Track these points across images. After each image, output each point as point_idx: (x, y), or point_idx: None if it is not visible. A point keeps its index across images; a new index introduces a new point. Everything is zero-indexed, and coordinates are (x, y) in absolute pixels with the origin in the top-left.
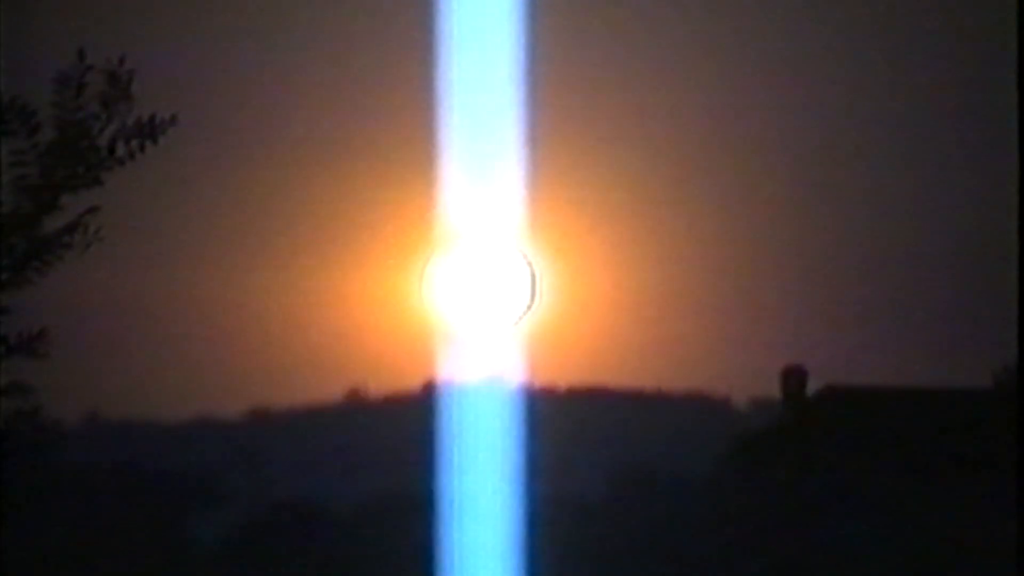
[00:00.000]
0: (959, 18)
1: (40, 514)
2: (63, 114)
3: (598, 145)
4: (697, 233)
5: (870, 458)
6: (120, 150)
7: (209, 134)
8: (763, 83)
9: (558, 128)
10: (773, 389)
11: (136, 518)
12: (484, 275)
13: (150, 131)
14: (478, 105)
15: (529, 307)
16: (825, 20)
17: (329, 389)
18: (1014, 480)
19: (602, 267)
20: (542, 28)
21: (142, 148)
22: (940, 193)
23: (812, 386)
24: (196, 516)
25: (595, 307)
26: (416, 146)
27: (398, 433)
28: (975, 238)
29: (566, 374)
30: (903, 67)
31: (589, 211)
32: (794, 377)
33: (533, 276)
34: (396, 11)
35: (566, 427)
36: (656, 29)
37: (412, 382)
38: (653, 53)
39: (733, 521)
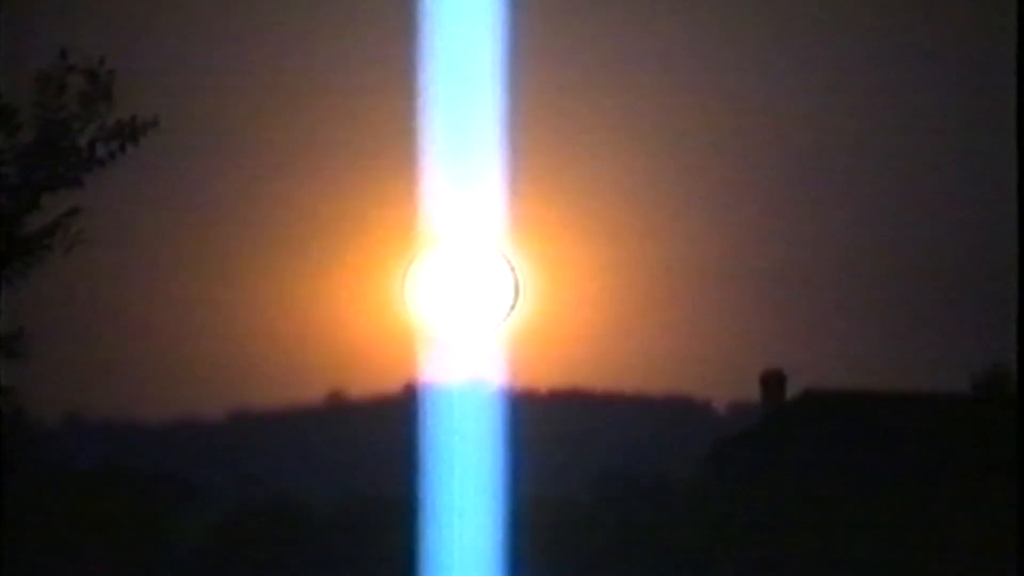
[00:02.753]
0: (958, 19)
1: (23, 513)
2: (44, 113)
3: (580, 150)
4: (679, 238)
5: (848, 460)
6: (100, 151)
7: (191, 137)
8: (747, 89)
9: (540, 132)
10: (753, 393)
11: (117, 518)
12: (466, 278)
13: (131, 133)
14: (459, 109)
15: (511, 310)
16: (818, 22)
17: (311, 391)
18: (1014, 480)
19: (584, 271)
20: (523, 33)
21: (123, 149)
22: (920, 203)
23: (791, 390)
24: (177, 516)
25: (577, 310)
26: (398, 150)
27: (379, 435)
28: (956, 247)
29: (548, 377)
30: (896, 74)
31: (571, 215)
32: (773, 381)
33: (515, 279)
34: (379, 17)
35: (548, 429)
36: (639, 32)
37: (393, 384)
38: (635, 56)
39: (714, 522)
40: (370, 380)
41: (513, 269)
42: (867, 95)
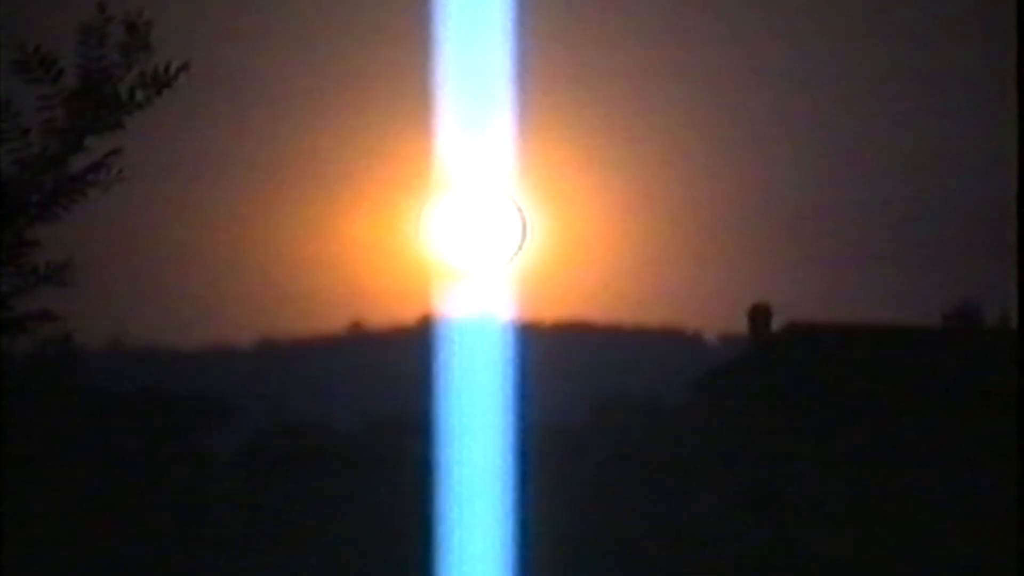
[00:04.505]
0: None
1: (69, 432)
2: (87, 63)
3: (588, 98)
4: (674, 183)
5: (827, 388)
6: (139, 96)
7: (221, 81)
8: (750, 42)
9: (548, 79)
10: (741, 325)
11: (157, 436)
12: (477, 218)
13: (165, 78)
14: (471, 61)
15: (518, 249)
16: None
17: (334, 321)
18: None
19: (586, 213)
20: None
21: (159, 93)
22: (905, 141)
23: (776, 323)
24: (211, 434)
25: (580, 249)
26: (415, 100)
27: (397, 362)
28: (940, 185)
29: (552, 310)
30: (888, 37)
31: (577, 159)
32: (760, 314)
33: (523, 220)
34: None
35: (552, 358)
36: None
37: (410, 316)
38: (646, 4)
39: (703, 443)
40: (389, 312)
41: (521, 211)
42: (868, 44)
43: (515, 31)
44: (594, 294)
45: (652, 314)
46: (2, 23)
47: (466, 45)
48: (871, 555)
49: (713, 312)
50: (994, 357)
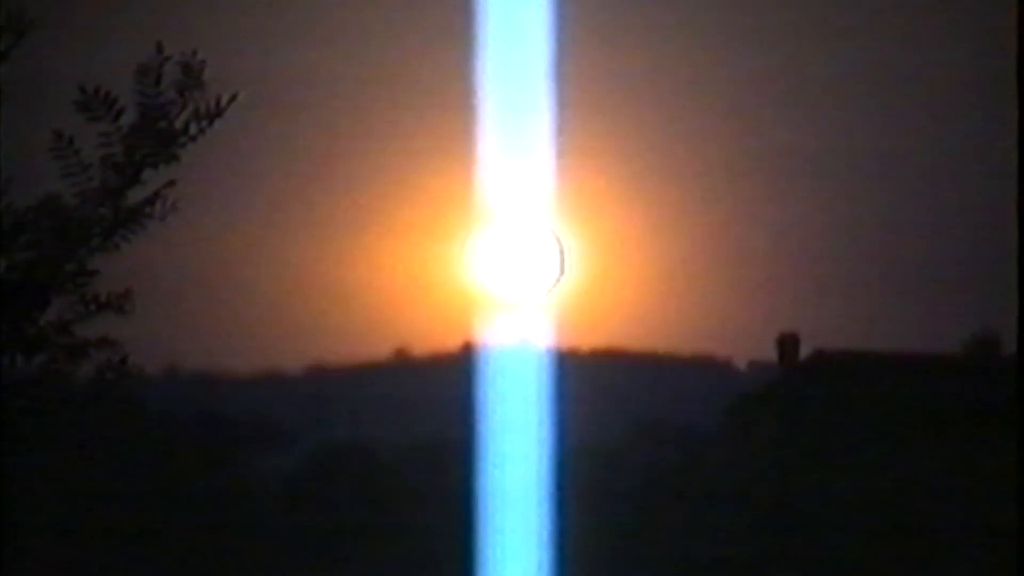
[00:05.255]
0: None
1: (127, 454)
2: (144, 100)
3: (623, 136)
4: (706, 217)
5: (852, 414)
6: (193, 130)
7: (271, 113)
8: (785, 71)
9: (585, 115)
10: (770, 353)
11: (211, 458)
12: (518, 250)
13: (217, 110)
14: (513, 95)
15: (558, 279)
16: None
17: (379, 348)
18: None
19: (622, 244)
20: (573, 10)
21: (211, 124)
22: (932, 168)
23: (804, 351)
24: (263, 457)
25: (616, 279)
26: (460, 134)
27: (440, 388)
28: (963, 212)
29: (589, 338)
30: (903, 59)
31: (612, 194)
32: (789, 343)
33: (562, 251)
34: (437, 13)
35: (588, 384)
36: (687, 10)
37: (453, 343)
38: (682, 34)
39: (732, 468)
40: (432, 339)
41: (560, 243)
42: (891, 76)
43: (555, 66)
44: (629, 323)
45: (685, 342)
46: (63, 63)
47: (508, 79)
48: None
49: (743, 341)
50: (1011, 384)
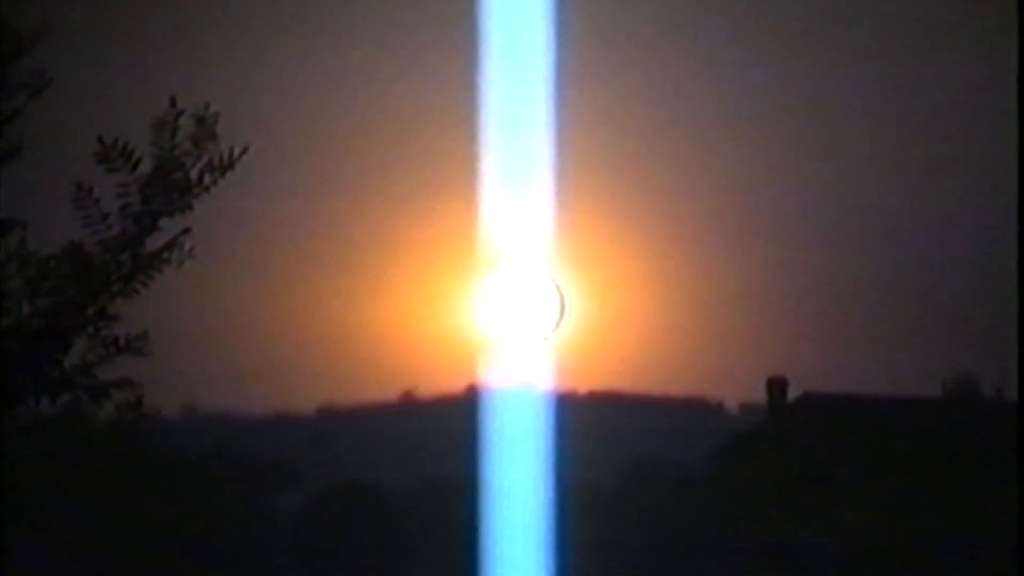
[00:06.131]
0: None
1: (146, 495)
2: (160, 152)
3: (620, 187)
4: (697, 265)
5: (838, 454)
6: (207, 179)
7: (278, 163)
8: (784, 112)
9: (583, 164)
10: (760, 395)
11: (225, 496)
12: (520, 296)
13: (230, 162)
14: (515, 148)
15: (557, 324)
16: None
17: (387, 390)
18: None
19: (619, 292)
20: (574, 56)
21: (223, 174)
22: (921, 212)
23: (792, 393)
24: (275, 495)
25: (613, 325)
26: (464, 188)
27: (445, 428)
28: (952, 259)
29: (587, 381)
30: (902, 78)
31: (610, 243)
32: (777, 386)
33: (562, 298)
34: (436, 43)
35: (587, 425)
36: (687, 53)
37: (458, 385)
38: (681, 80)
39: (723, 506)
40: (437, 382)
41: (560, 290)
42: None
43: (554, 111)
44: (625, 366)
45: (678, 385)
46: (83, 118)
47: (508, 125)
48: None
49: (734, 384)
50: (991, 427)
